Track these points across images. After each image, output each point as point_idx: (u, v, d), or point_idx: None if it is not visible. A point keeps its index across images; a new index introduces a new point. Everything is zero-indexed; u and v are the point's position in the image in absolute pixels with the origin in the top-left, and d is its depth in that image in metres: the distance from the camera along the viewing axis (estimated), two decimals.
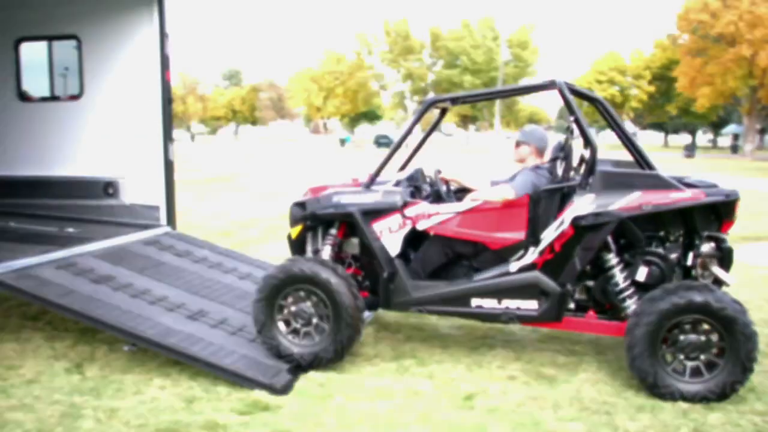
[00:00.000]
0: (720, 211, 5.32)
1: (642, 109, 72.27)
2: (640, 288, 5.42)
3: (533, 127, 6.18)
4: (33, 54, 8.89)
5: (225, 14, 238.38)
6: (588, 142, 5.41)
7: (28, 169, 8.68)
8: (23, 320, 6.83)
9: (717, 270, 5.41)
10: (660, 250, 5.53)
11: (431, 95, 6.86)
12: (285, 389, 5.12)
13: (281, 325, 5.64)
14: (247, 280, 7.10)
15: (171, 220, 8.18)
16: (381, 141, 75.35)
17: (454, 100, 6.16)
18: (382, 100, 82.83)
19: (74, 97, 8.63)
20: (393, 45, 71.46)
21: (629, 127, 67.35)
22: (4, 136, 8.76)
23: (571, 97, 5.47)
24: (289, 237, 6.24)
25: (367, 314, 6.95)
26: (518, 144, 6.02)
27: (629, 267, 5.50)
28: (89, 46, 8.37)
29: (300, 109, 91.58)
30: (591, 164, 5.37)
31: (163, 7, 7.97)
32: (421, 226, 5.72)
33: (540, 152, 5.97)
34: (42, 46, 8.82)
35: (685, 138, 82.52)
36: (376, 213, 5.81)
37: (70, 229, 7.87)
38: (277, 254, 10.15)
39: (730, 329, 4.90)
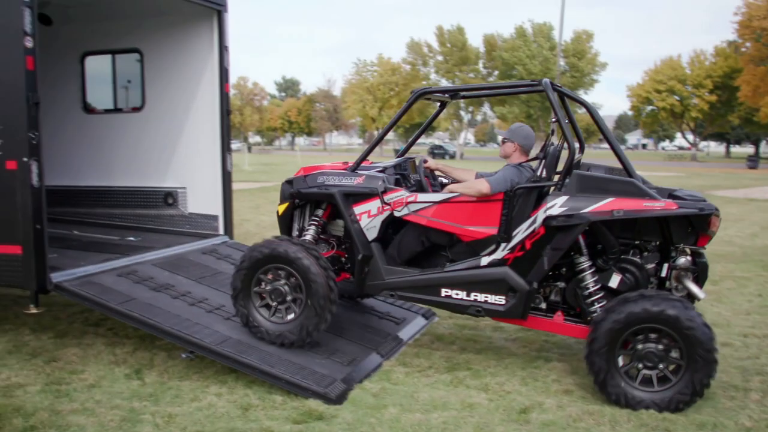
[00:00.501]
0: (695, 225, 5.31)
1: (702, 119, 70.67)
2: (614, 295, 5.41)
3: (519, 125, 6.19)
4: (97, 67, 9.14)
5: (282, 25, 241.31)
6: (567, 144, 5.45)
7: (92, 180, 8.92)
8: (86, 326, 7.00)
9: (690, 284, 5.41)
10: (636, 259, 5.56)
11: (421, 87, 6.93)
12: (339, 399, 5.13)
13: (255, 298, 5.84)
14: None
15: (228, 229, 8.29)
16: (435, 152, 75.27)
17: (446, 93, 6.25)
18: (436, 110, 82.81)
19: (136, 109, 8.83)
20: (448, 55, 71.29)
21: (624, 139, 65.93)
22: (70, 147, 9.01)
23: (555, 99, 5.46)
24: (278, 213, 6.41)
25: (421, 324, 6.97)
26: (504, 141, 6.02)
27: (603, 272, 5.53)
28: (151, 60, 8.57)
29: (355, 120, 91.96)
30: (568, 166, 5.42)
31: (222, 21, 8.11)
32: (398, 213, 5.82)
33: (525, 150, 5.96)
34: (106, 59, 9.04)
35: (748, 149, 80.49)
36: (357, 196, 5.94)
37: (131, 238, 8.06)
38: None
39: (693, 350, 4.90)
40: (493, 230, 5.58)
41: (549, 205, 5.30)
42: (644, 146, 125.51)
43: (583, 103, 5.81)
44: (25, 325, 6.98)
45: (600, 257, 5.56)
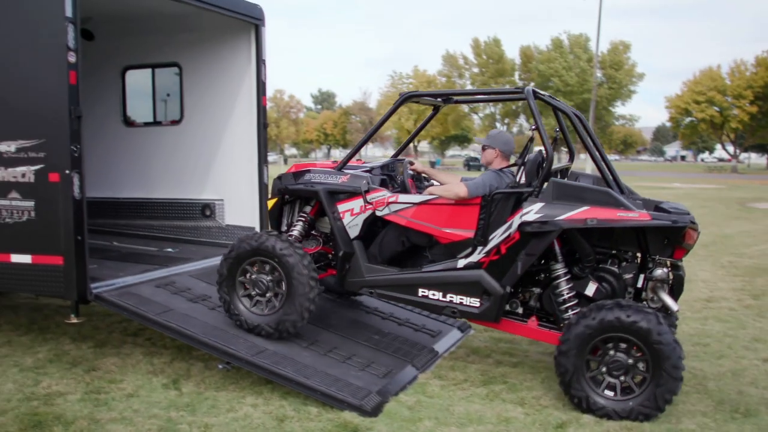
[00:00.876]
0: (670, 237, 5.35)
1: (743, 130, 69.50)
2: (590, 303, 5.40)
3: (498, 131, 6.32)
4: (137, 81, 9.29)
5: (318, 38, 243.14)
6: (545, 152, 5.54)
7: (131, 192, 9.06)
8: (124, 336, 7.09)
9: (664, 296, 5.45)
10: (614, 269, 5.63)
11: (408, 91, 7.06)
12: (375, 411, 5.13)
13: (239, 287, 6.02)
14: (337, 301, 7.18)
15: None
16: (471, 164, 75.08)
17: (434, 97, 6.45)
18: (472, 122, 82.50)
19: (175, 122, 8.96)
20: (484, 67, 71.14)
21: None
22: (110, 160, 9.16)
23: (536, 107, 5.56)
24: (267, 207, 6.70)
25: (457, 337, 6.94)
26: (484, 148, 6.12)
27: (579, 280, 5.59)
28: (189, 73, 8.69)
29: (391, 132, 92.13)
30: (545, 174, 5.48)
31: (260, 35, 8.21)
32: (380, 212, 5.96)
33: (505, 155, 6.06)
34: (146, 73, 9.19)
35: None
36: (341, 194, 6.10)
37: (170, 249, 8.16)
38: None
39: (659, 365, 4.93)
40: (470, 233, 5.67)
41: (525, 211, 5.36)
42: (683, 158, 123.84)
43: (564, 111, 5.86)
44: (65, 335, 7.10)
45: (576, 265, 5.62)
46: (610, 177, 5.64)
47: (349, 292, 6.49)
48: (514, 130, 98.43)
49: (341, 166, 6.25)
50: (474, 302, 5.67)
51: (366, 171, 6.28)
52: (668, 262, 5.48)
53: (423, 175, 6.73)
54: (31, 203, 6.05)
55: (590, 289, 5.58)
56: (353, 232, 6.06)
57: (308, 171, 6.33)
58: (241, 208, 8.46)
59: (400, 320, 7.00)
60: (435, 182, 6.65)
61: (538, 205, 5.32)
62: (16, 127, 6.06)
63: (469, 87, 74.66)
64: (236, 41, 8.29)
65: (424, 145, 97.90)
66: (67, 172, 5.85)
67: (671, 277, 5.49)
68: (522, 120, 78.41)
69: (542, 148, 5.82)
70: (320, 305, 6.97)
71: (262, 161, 8.33)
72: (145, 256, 7.49)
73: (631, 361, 5.06)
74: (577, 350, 5.12)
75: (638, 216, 5.14)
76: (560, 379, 5.23)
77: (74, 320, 6.23)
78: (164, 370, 6.04)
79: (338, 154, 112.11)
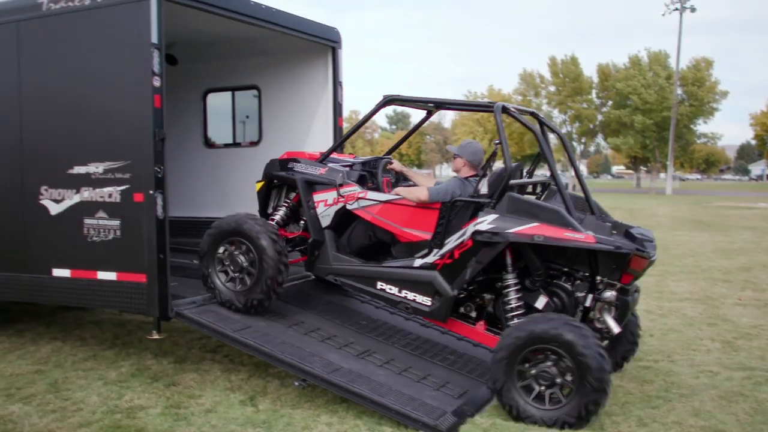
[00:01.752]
0: (616, 262, 5.48)
1: None
2: None
3: (468, 141, 6.60)
4: (218, 104, 9.54)
5: (393, 61, 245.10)
6: (505, 165, 5.73)
7: (212, 211, 9.25)
8: (203, 352, 7.24)
9: (607, 317, 5.60)
10: (567, 286, 5.80)
11: (390, 93, 7.31)
12: None
13: (217, 262, 6.49)
14: (412, 320, 7.16)
15: None
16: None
17: (416, 102, 6.77)
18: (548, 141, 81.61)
19: (253, 143, 9.15)
20: (561, 86, 70.23)
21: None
22: (192, 180, 9.40)
23: (501, 122, 5.85)
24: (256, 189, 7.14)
25: None
26: (454, 157, 6.38)
27: (532, 293, 5.80)
28: (268, 96, 8.88)
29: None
30: (503, 187, 5.65)
31: (337, 57, 8.34)
32: (350, 206, 6.35)
33: (473, 165, 6.30)
34: (226, 96, 9.42)
35: None
36: (317, 185, 6.53)
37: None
38: None
39: (584, 376, 5.02)
40: (427, 235, 5.98)
41: (479, 220, 5.57)
42: None
43: (529, 128, 6.02)
44: (147, 350, 7.29)
45: (530, 278, 5.80)
46: (590, 196, 6.00)
47: (317, 277, 6.94)
48: (591, 149, 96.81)
49: (322, 159, 6.63)
50: (426, 301, 5.95)
51: (346, 166, 6.63)
52: (617, 286, 5.58)
53: (402, 175, 7.02)
54: (116, 222, 6.27)
55: (540, 303, 5.77)
56: (325, 221, 6.47)
57: (294, 160, 6.74)
58: None
59: (476, 341, 6.93)
60: (412, 183, 6.92)
61: (492, 217, 5.53)
62: (104, 149, 6.31)
63: (545, 106, 73.88)
64: (313, 63, 8.44)
65: (499, 165, 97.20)
66: (151, 192, 6.04)
67: (617, 300, 5.60)
68: (599, 139, 77.13)
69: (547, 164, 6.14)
70: (395, 324, 7.00)
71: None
72: None
73: (559, 372, 5.17)
74: (508, 359, 5.27)
75: (583, 238, 5.28)
76: (492, 385, 5.38)
77: (156, 336, 6.41)
78: (241, 387, 6.14)
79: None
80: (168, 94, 6.20)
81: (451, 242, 5.76)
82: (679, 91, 62.04)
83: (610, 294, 5.59)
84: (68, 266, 6.60)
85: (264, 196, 7.08)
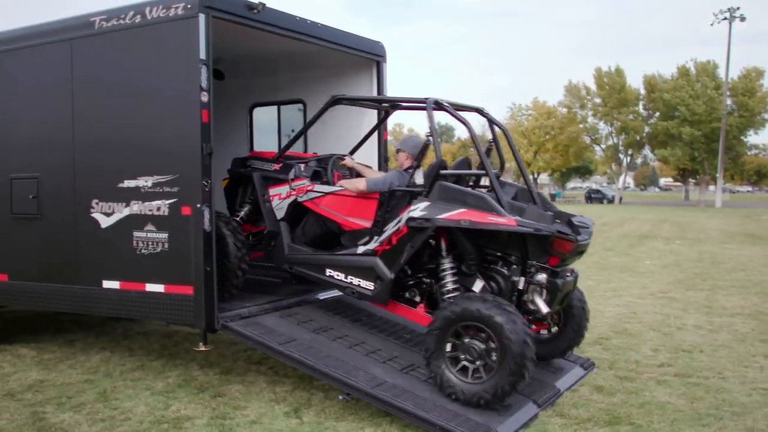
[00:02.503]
0: (542, 245, 5.76)
1: None
2: None
3: (410, 136, 7.01)
4: (263, 118, 9.64)
5: (436, 72, 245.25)
6: (436, 158, 6.03)
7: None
8: (249, 364, 7.31)
9: (537, 298, 5.88)
10: (504, 270, 6.10)
11: (336, 94, 7.74)
12: None
13: None
14: None
15: None
16: (593, 196, 73.27)
17: (361, 101, 7.41)
18: (594, 154, 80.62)
19: None
20: (606, 98, 69.47)
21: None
22: None
23: (432, 118, 6.16)
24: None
25: (579, 374, 6.76)
26: (398, 151, 6.75)
27: (469, 277, 6.13)
28: (313, 109, 8.92)
29: (509, 165, 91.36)
30: (434, 176, 6.00)
31: (381, 71, 8.38)
32: (300, 199, 6.85)
33: (415, 158, 6.54)
34: (271, 110, 9.51)
35: None
36: (272, 180, 7.10)
37: (294, 281, 8.34)
38: None
39: (506, 358, 5.30)
40: (368, 224, 6.45)
41: (412, 208, 5.95)
42: None
43: (463, 123, 6.28)
44: (193, 361, 7.39)
45: (465, 262, 6.13)
46: (533, 187, 6.43)
47: (277, 268, 7.24)
48: (638, 161, 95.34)
49: (277, 157, 7.22)
50: (369, 285, 6.35)
51: (302, 163, 7.09)
52: (548, 269, 5.86)
53: (354, 170, 7.40)
54: (164, 235, 6.37)
55: (477, 286, 6.10)
56: (279, 213, 7.02)
57: (253, 158, 7.40)
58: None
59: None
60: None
61: (425, 204, 5.89)
62: (153, 164, 6.43)
63: (591, 118, 73.09)
64: (358, 77, 8.49)
65: (544, 178, 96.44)
66: (198, 205, 6.13)
67: (548, 283, 5.86)
68: (646, 151, 76.07)
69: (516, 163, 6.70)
70: None
71: None
72: (269, 287, 7.70)
73: (485, 350, 5.48)
74: (440, 331, 5.62)
75: (506, 221, 5.59)
76: (424, 353, 5.74)
77: (202, 348, 6.49)
78: (286, 399, 6.17)
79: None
80: (215, 108, 6.30)
81: (389, 229, 6.16)
82: (729, 101, 60.91)
83: (541, 277, 5.86)
84: (117, 278, 6.73)
85: (230, 194, 7.72)
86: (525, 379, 5.39)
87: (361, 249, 6.39)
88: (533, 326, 6.28)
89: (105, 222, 6.76)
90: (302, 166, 7.07)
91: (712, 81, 62.74)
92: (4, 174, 7.53)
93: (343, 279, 6.50)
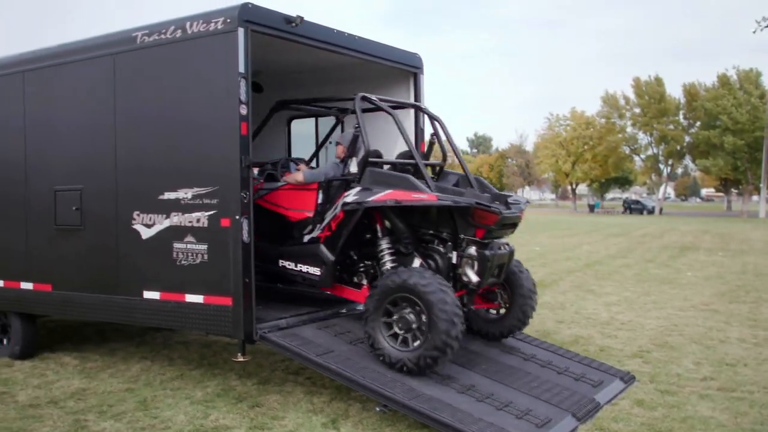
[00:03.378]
0: (465, 217, 6.23)
1: None
2: None
3: (348, 131, 7.27)
4: (301, 130, 9.70)
5: (474, 83, 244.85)
6: (365, 147, 6.56)
7: None
8: (286, 374, 7.35)
9: (468, 270, 6.32)
10: (440, 248, 6.57)
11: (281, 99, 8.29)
12: None
13: None
14: (494, 347, 7.10)
15: None
16: (633, 207, 72.39)
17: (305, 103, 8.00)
18: (633, 164, 79.67)
19: None
20: (645, 107, 68.65)
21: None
22: None
23: (360, 111, 6.71)
24: None
25: (619, 388, 6.68)
26: (336, 144, 7.30)
27: (407, 257, 6.61)
28: (350, 121, 8.97)
29: (547, 176, 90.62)
30: (363, 164, 6.51)
31: (418, 83, 8.40)
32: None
33: (347, 150, 6.96)
34: (309, 122, 9.57)
35: None
36: None
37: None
38: None
39: (433, 333, 5.78)
40: (310, 213, 6.95)
41: (347, 194, 6.45)
42: None
43: (390, 114, 6.83)
44: (232, 371, 7.45)
45: (402, 243, 6.65)
46: (469, 172, 6.96)
47: None
48: (678, 171, 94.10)
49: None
50: (316, 271, 6.81)
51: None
52: (477, 242, 6.31)
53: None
54: (204, 246, 6.45)
55: (415, 264, 6.52)
56: None
57: None
58: None
59: (560, 368, 6.81)
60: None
61: (357, 189, 6.41)
62: (193, 176, 6.51)
63: (629, 128, 72.27)
64: (395, 89, 8.51)
65: (582, 188, 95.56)
66: (237, 217, 6.19)
67: (478, 255, 6.28)
68: (687, 161, 75.02)
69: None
70: (475, 350, 6.95)
71: None
72: (307, 299, 7.73)
73: (415, 321, 5.94)
74: (377, 300, 6.11)
75: (427, 197, 6.09)
76: (362, 315, 6.24)
77: (241, 359, 6.53)
78: (323, 410, 6.19)
79: None
80: (253, 121, 6.36)
81: (329, 216, 6.65)
82: None
83: (471, 249, 6.30)
84: (158, 289, 6.82)
85: None
86: (447, 355, 5.84)
87: (306, 237, 6.92)
88: (479, 304, 7.05)
89: (146, 233, 6.86)
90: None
91: (756, 89, 61.63)
92: (48, 186, 7.69)
93: (294, 268, 6.98)
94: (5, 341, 8.34)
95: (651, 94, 68.31)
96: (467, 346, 7.00)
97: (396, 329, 6.06)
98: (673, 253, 22.05)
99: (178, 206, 6.60)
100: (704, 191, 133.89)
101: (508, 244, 6.68)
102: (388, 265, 6.58)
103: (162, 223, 6.74)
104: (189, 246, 6.55)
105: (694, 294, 13.13)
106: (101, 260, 7.30)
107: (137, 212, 6.92)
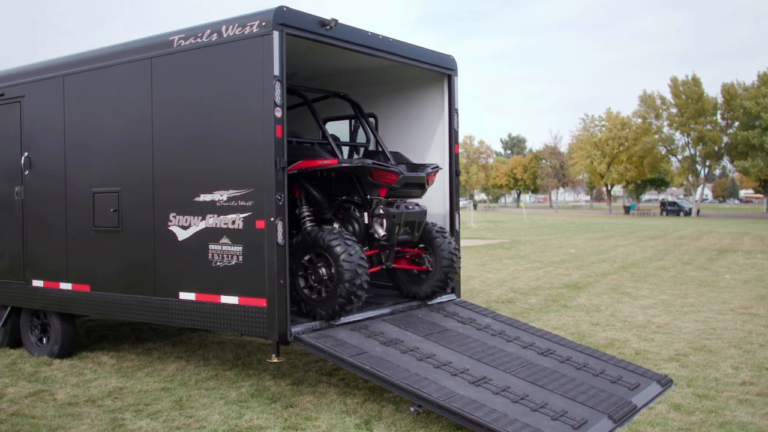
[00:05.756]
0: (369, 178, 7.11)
1: None
2: None
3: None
4: (336, 131, 9.73)
5: (509, 84, 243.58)
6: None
7: None
8: (320, 375, 7.37)
9: (377, 227, 7.24)
10: (356, 214, 7.46)
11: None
12: None
13: None
14: (529, 349, 7.05)
15: (456, 287, 8.37)
16: (669, 208, 71.50)
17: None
18: (670, 165, 78.66)
19: None
20: (683, 107, 67.75)
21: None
22: None
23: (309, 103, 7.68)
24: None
25: (657, 391, 6.61)
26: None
27: (328, 223, 7.48)
28: (385, 123, 9.01)
29: (582, 177, 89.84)
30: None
31: (452, 84, 8.39)
32: None
33: None
34: (343, 124, 9.59)
35: None
36: None
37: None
38: (559, 323, 10.00)
39: (339, 283, 6.55)
40: None
41: None
42: None
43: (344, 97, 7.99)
44: (266, 371, 7.49)
45: (320, 210, 7.55)
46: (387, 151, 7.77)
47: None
48: (716, 172, 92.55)
49: None
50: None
51: None
52: (383, 201, 7.19)
53: None
54: (239, 248, 6.50)
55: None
56: None
57: None
58: None
59: (596, 371, 6.75)
60: None
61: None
62: (228, 178, 6.57)
63: (666, 128, 71.38)
64: (429, 91, 8.52)
65: (617, 190, 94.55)
66: (272, 219, 6.23)
67: (384, 212, 7.15)
68: (725, 162, 73.86)
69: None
70: (510, 351, 6.91)
71: (455, 208, 8.44)
72: None
73: (326, 274, 6.73)
74: (296, 254, 6.85)
75: (328, 162, 6.97)
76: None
77: (275, 360, 6.56)
78: (357, 410, 6.20)
79: (528, 199, 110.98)
80: (288, 123, 6.40)
81: None
82: None
83: (378, 209, 7.18)
84: (194, 290, 6.89)
85: None
86: (353, 303, 6.60)
87: None
88: (406, 265, 7.95)
89: (182, 235, 6.94)
90: None
91: None
92: (86, 188, 7.82)
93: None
94: (45, 341, 8.50)
95: (688, 94, 67.42)
96: (502, 348, 6.98)
97: (310, 281, 6.83)
98: (711, 256, 21.71)
99: (213, 208, 6.67)
100: (743, 193, 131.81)
101: (418, 205, 7.56)
102: (308, 230, 7.16)
103: (198, 225, 6.81)
104: (224, 247, 6.61)
105: (732, 297, 12.92)
106: (138, 261, 7.39)
107: (173, 214, 7.00)
